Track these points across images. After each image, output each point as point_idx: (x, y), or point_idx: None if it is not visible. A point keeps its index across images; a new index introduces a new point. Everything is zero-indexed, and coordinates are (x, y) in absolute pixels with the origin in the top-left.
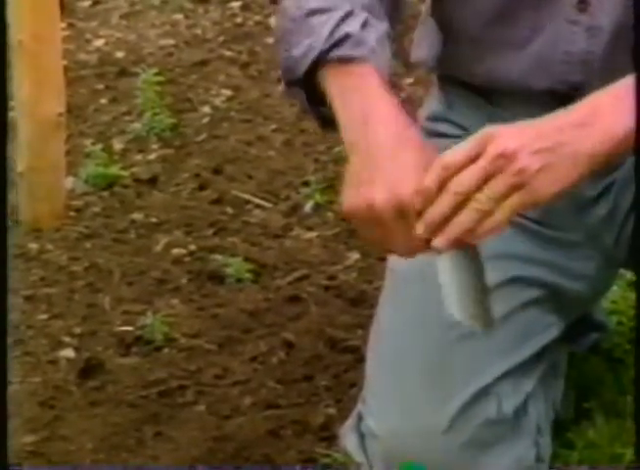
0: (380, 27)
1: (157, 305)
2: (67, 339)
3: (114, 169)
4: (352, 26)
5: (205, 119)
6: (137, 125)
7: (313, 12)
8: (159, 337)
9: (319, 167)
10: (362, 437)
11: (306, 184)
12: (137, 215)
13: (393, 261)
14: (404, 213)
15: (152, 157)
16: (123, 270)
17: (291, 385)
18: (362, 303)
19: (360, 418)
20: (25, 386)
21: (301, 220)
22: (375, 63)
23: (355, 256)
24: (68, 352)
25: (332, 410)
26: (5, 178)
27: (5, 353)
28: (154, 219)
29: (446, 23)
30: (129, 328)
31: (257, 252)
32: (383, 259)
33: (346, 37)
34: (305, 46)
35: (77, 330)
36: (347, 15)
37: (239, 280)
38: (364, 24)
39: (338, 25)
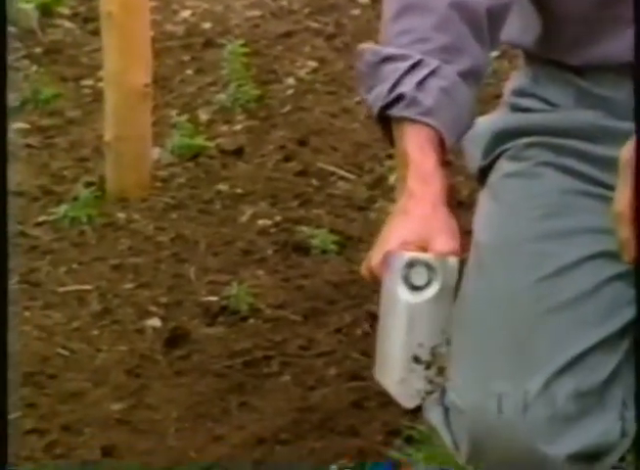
0: (451, 74)
1: (242, 275)
2: (153, 308)
3: (200, 140)
4: (408, 85)
5: (290, 91)
6: (222, 96)
7: (386, 59)
8: (244, 307)
9: None
10: (446, 411)
11: (391, 157)
12: (223, 186)
13: (478, 234)
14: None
15: (237, 128)
16: (209, 241)
17: (375, 357)
18: None
19: (444, 392)
20: (113, 354)
21: (386, 193)
22: (432, 120)
23: None
24: (155, 322)
25: None
26: (5, 177)
27: (5, 353)
28: (239, 190)
29: (550, 6)
30: (215, 298)
31: (342, 223)
32: (469, 233)
33: (400, 98)
34: (375, 94)
35: (163, 300)
36: (415, 65)
37: (324, 252)
38: (425, 78)
39: (398, 82)
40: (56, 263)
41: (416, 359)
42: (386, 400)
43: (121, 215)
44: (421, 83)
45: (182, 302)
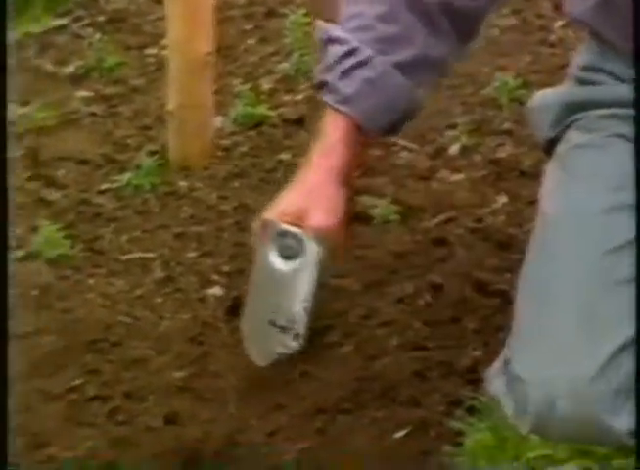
0: (382, 64)
1: None
2: (215, 277)
3: (262, 109)
4: (334, 73)
5: None
6: (285, 65)
7: (330, 40)
8: None
9: (466, 110)
10: (509, 381)
11: (453, 127)
12: (285, 155)
13: (546, 204)
14: None
15: (299, 97)
16: None
17: (437, 327)
18: (510, 246)
19: (507, 362)
20: (175, 322)
21: (448, 163)
22: (348, 108)
23: (503, 199)
24: (217, 290)
25: (478, 353)
26: (5, 177)
27: (5, 353)
28: (301, 159)
29: None
30: None
31: (404, 193)
32: (532, 203)
33: (323, 84)
34: (317, 71)
35: (226, 268)
36: (350, 53)
37: (386, 221)
38: (353, 67)
39: (330, 67)
40: (119, 231)
41: (272, 323)
42: (448, 371)
43: (184, 184)
44: (347, 72)
45: (244, 270)
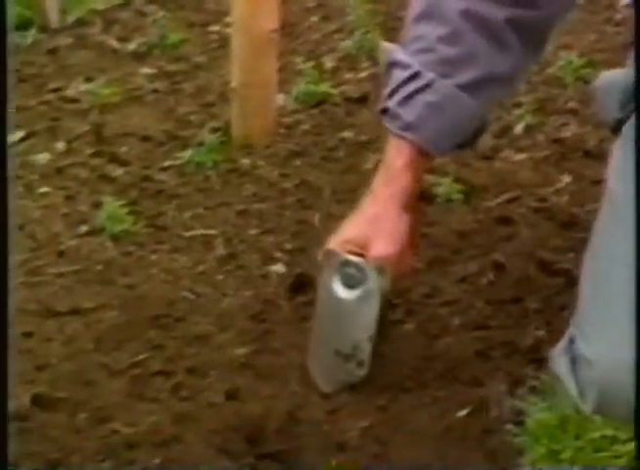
0: (444, 88)
1: None
2: (277, 254)
3: (325, 87)
4: (396, 99)
5: None
6: (348, 44)
7: (393, 64)
8: None
9: (531, 89)
10: (573, 361)
11: (517, 105)
12: (347, 134)
13: (613, 183)
14: None
15: (362, 75)
16: (333, 188)
17: (500, 306)
18: (573, 226)
19: (572, 342)
20: (238, 299)
21: (512, 142)
22: (410, 134)
23: (567, 178)
24: (279, 268)
25: (541, 333)
26: (5, 176)
27: (5, 353)
28: (363, 138)
29: None
30: None
31: (468, 172)
32: (596, 183)
33: (386, 111)
34: (382, 94)
35: (288, 246)
36: (412, 77)
37: (449, 200)
38: (415, 92)
39: (393, 91)
40: (181, 208)
41: (337, 352)
42: (510, 350)
43: (246, 161)
44: (408, 97)
45: (306, 248)
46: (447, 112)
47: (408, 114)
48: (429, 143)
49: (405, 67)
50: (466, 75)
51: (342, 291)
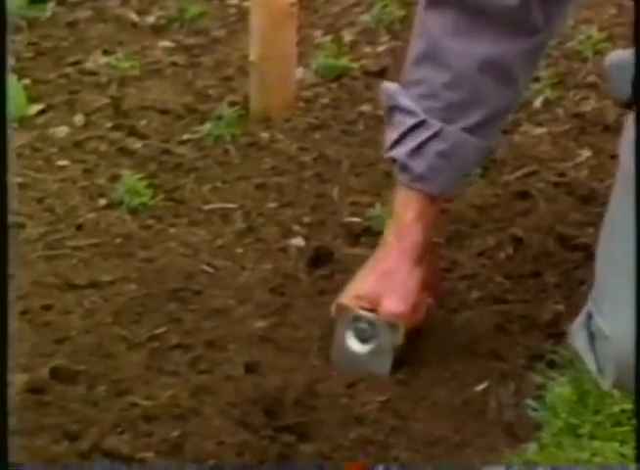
0: (452, 135)
1: (385, 197)
2: (296, 227)
3: (344, 61)
4: (404, 149)
5: None
6: (367, 17)
7: (397, 109)
8: (387, 228)
9: (550, 63)
10: (591, 336)
11: (536, 80)
12: (366, 107)
13: (627, 158)
14: None
15: (381, 49)
16: (352, 161)
17: (519, 280)
18: (593, 200)
19: (590, 317)
20: (256, 272)
21: (531, 116)
22: (421, 186)
23: (586, 153)
24: (298, 241)
25: (560, 307)
26: (5, 176)
27: (5, 351)
28: (382, 112)
29: None
30: (357, 219)
31: None
32: (615, 157)
33: (394, 161)
34: (386, 138)
35: (307, 219)
36: (418, 125)
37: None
38: (425, 142)
39: (399, 141)
40: (200, 181)
41: None
42: (529, 324)
43: (265, 135)
44: (417, 148)
45: (325, 222)
46: (458, 158)
47: (419, 165)
48: (441, 190)
49: (409, 113)
50: (472, 119)
51: (355, 344)
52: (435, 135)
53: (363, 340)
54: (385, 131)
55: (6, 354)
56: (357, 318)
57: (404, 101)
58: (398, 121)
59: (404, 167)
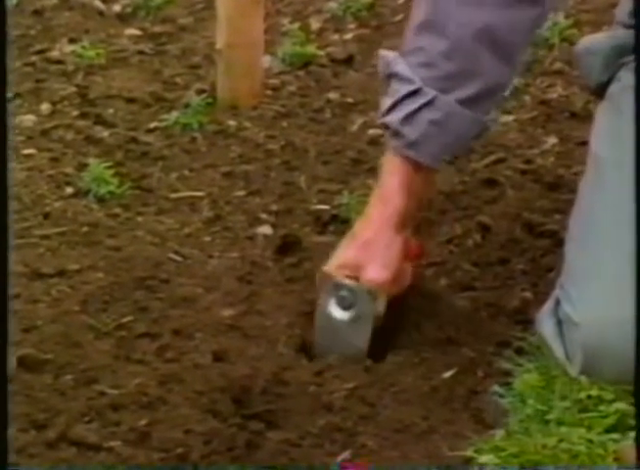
0: (446, 104)
1: (352, 184)
2: (264, 215)
3: (311, 49)
4: (397, 116)
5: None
6: (334, 5)
7: (394, 76)
8: (354, 216)
9: None
10: (559, 323)
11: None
12: (333, 95)
13: (598, 147)
14: None
15: (348, 36)
16: (319, 149)
17: (486, 268)
18: (560, 187)
19: (557, 304)
20: (224, 261)
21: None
22: (412, 152)
23: (553, 140)
24: (266, 229)
25: (527, 294)
26: (5, 176)
27: (5, 353)
28: (349, 99)
29: None
30: (325, 207)
31: None
32: (582, 144)
33: (387, 127)
34: (382, 104)
35: (274, 207)
36: (413, 93)
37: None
38: (418, 110)
39: (393, 106)
40: (167, 170)
41: None
42: (496, 311)
43: (232, 123)
44: (411, 115)
45: (293, 210)
46: (450, 129)
47: (411, 132)
48: (432, 160)
49: (406, 81)
50: (467, 90)
51: (336, 311)
52: (429, 103)
53: (344, 307)
54: (381, 98)
55: (6, 354)
56: (338, 286)
57: (402, 69)
58: (394, 89)
59: (396, 133)
